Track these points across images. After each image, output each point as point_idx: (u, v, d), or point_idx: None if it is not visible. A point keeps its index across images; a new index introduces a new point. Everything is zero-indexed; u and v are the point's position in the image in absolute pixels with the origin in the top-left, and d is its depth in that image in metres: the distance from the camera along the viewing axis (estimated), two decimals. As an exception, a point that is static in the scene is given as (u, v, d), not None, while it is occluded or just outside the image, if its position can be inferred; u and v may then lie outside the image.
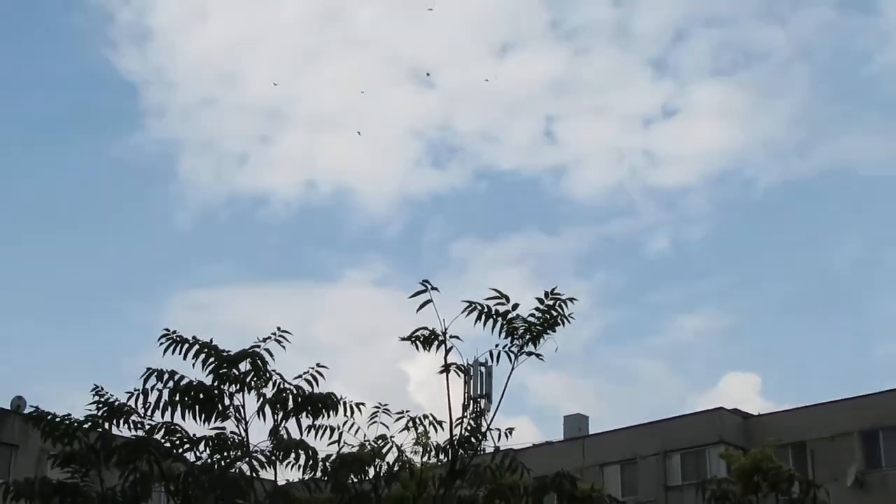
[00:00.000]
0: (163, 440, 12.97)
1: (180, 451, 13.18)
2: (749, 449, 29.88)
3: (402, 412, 13.53)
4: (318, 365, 12.86)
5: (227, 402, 12.72)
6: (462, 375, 13.02)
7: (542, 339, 12.45)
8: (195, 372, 12.57)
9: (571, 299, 12.43)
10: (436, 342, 12.46)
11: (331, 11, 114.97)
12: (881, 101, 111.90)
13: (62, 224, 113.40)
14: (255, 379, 12.68)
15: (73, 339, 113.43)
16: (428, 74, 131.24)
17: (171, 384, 12.44)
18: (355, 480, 13.86)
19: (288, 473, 13.48)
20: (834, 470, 38.66)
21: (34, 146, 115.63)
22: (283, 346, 12.65)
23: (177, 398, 12.47)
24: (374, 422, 13.47)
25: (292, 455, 13.00)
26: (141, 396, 12.52)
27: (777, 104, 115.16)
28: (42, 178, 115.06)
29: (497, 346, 12.47)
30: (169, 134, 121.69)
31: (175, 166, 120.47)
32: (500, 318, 12.29)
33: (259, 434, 12.94)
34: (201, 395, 12.57)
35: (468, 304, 12.24)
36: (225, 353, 12.57)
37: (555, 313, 12.35)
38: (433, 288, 12.08)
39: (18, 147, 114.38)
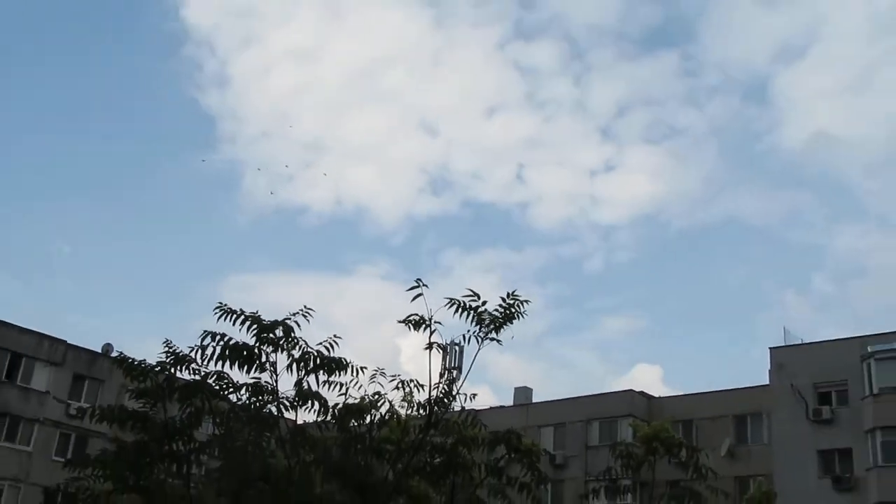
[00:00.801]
0: (213, 384, 13.00)
1: (226, 393, 13.19)
2: (651, 422, 30.03)
3: (394, 376, 13.50)
4: (333, 336, 12.88)
5: (263, 359, 12.72)
6: (441, 352, 12.98)
7: (502, 329, 12.50)
8: (240, 335, 12.60)
9: (525, 301, 12.45)
10: (423, 325, 12.44)
11: (363, 73, 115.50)
12: (767, 171, 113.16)
13: (151, 220, 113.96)
14: (285, 343, 12.70)
15: (152, 303, 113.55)
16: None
17: (221, 343, 12.46)
18: (356, 425, 13.85)
19: (305, 416, 13.52)
20: (712, 443, 38.68)
21: (136, 163, 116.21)
22: (308, 320, 12.63)
23: (226, 353, 12.46)
24: (373, 382, 13.42)
25: (310, 402, 13.03)
26: (199, 350, 12.51)
27: (690, 168, 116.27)
28: (141, 185, 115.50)
29: (468, 331, 12.44)
30: (236, 156, 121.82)
31: (238, 181, 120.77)
32: (472, 311, 12.30)
33: (286, 384, 12.94)
34: (244, 353, 12.56)
35: (449, 299, 12.26)
36: (264, 322, 12.62)
37: (513, 310, 12.41)
38: (424, 285, 12.11)
39: (124, 163, 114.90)
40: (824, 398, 37.30)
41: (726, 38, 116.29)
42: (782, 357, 38.66)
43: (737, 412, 40.97)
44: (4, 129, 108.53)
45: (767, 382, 39.16)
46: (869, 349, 35.46)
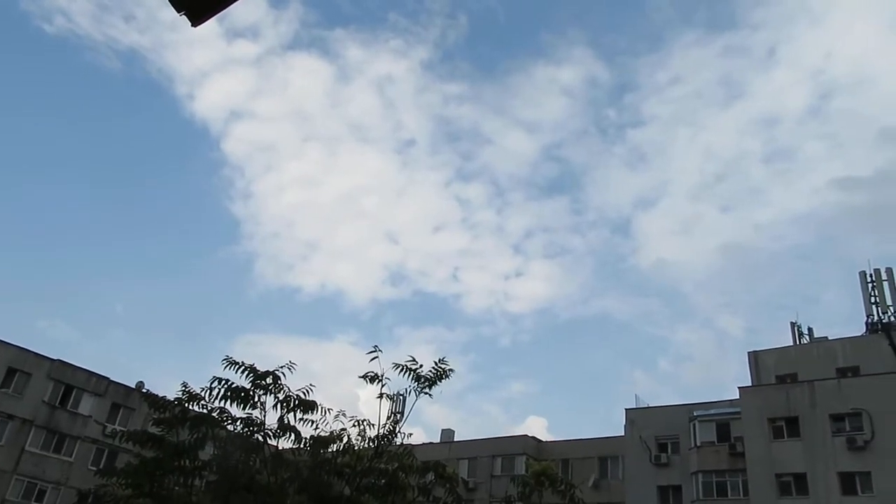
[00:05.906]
0: (216, 417, 12.52)
1: (225, 424, 12.73)
2: (539, 460, 29.52)
3: (353, 417, 13.27)
4: (310, 384, 12.64)
5: (255, 399, 12.34)
6: (388, 400, 12.77)
7: (434, 385, 12.37)
8: (240, 380, 12.25)
9: (451, 369, 12.48)
10: (377, 380, 12.29)
11: (349, 197, 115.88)
12: (628, 282, 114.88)
13: (187, 292, 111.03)
14: (273, 388, 12.35)
15: (182, 352, 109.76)
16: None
17: (225, 386, 12.07)
18: (322, 452, 13.44)
19: (284, 444, 13.08)
20: (582, 476, 38.08)
21: (181, 250, 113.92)
22: (292, 371, 12.42)
23: (227, 394, 12.09)
24: (337, 420, 13.17)
25: (288, 434, 12.61)
26: (208, 391, 12.13)
27: (574, 276, 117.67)
28: (182, 267, 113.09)
29: (408, 387, 12.37)
30: (252, 249, 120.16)
31: (253, 267, 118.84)
32: (412, 372, 12.21)
33: (271, 419, 12.58)
34: (241, 394, 12.20)
35: (395, 364, 12.18)
36: (258, 372, 12.27)
37: (441, 373, 12.31)
38: (380, 350, 12.06)
39: (172, 250, 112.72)
40: (663, 447, 37.05)
41: (603, 190, 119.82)
42: (633, 416, 38.48)
43: (601, 454, 40.40)
44: (95, 228, 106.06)
45: (623, 434, 38.78)
46: (694, 413, 35.53)
